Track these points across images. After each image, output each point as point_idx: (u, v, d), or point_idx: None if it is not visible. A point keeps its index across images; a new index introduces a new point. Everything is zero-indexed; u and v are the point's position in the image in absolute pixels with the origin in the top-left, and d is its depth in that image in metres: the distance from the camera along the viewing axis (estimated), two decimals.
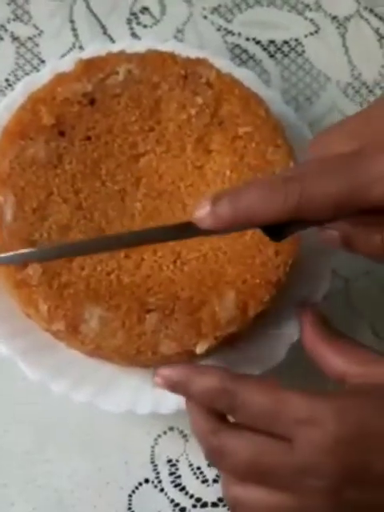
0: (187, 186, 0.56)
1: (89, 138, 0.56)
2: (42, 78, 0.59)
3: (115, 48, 0.59)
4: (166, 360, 0.51)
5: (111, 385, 0.55)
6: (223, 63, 0.60)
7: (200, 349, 0.51)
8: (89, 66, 0.57)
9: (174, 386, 0.48)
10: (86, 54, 0.60)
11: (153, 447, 0.61)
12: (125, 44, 0.61)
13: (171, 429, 0.61)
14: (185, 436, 0.61)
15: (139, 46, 0.60)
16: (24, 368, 0.54)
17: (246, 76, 0.60)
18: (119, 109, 0.56)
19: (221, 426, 0.46)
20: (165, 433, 0.61)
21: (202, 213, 0.45)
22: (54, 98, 0.56)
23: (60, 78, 0.57)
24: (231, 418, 0.47)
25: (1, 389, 0.61)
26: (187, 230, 0.47)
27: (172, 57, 0.58)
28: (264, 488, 0.45)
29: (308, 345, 0.51)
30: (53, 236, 0.53)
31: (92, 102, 0.56)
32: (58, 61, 0.61)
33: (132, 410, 0.54)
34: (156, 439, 0.61)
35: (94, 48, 0.61)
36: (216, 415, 0.47)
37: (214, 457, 0.47)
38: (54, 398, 0.59)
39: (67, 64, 0.58)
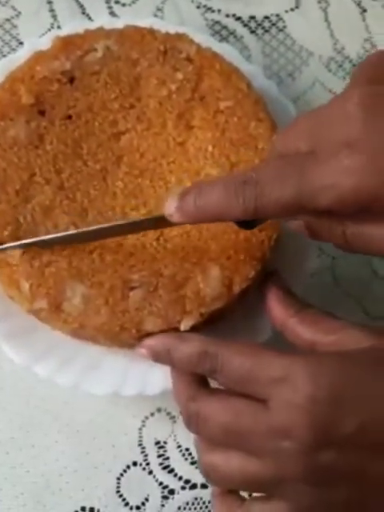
0: (169, 163, 0.56)
1: (69, 117, 0.56)
2: (20, 58, 0.59)
3: (93, 26, 0.60)
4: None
5: (96, 367, 0.55)
6: (203, 38, 0.61)
7: (185, 325, 0.51)
8: (67, 44, 0.57)
9: (158, 355, 0.50)
10: (64, 32, 0.60)
11: (140, 429, 0.61)
12: (103, 21, 0.62)
13: (159, 410, 0.61)
14: (172, 417, 0.61)
15: (118, 24, 0.60)
16: (8, 351, 0.54)
17: (226, 51, 0.60)
18: (98, 86, 0.56)
19: (199, 392, 0.48)
20: (152, 414, 0.61)
21: (170, 208, 0.49)
22: (32, 76, 0.56)
23: (38, 57, 0.57)
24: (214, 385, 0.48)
25: None
26: (163, 221, 0.50)
27: (151, 32, 0.58)
28: (240, 454, 0.46)
29: (275, 319, 0.52)
30: (36, 217, 0.53)
31: (71, 80, 0.56)
32: (36, 40, 0.62)
33: (118, 392, 0.55)
34: (143, 421, 0.61)
35: (72, 26, 0.61)
36: (197, 382, 0.48)
37: (192, 422, 0.48)
38: (38, 383, 0.60)
39: (45, 44, 0.59)
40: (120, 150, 0.56)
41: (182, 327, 0.51)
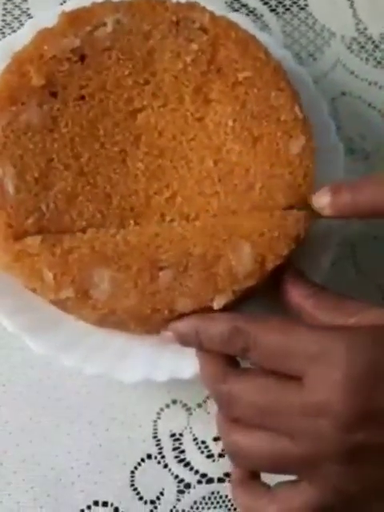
0: (189, 141, 0.56)
1: (82, 98, 0.55)
2: (22, 37, 0.58)
3: None
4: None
5: (125, 355, 0.55)
6: (215, 7, 0.60)
7: (217, 304, 0.51)
8: (74, 19, 0.56)
9: (186, 338, 0.50)
10: (69, 5, 0.59)
11: (155, 421, 0.61)
12: None
13: (174, 402, 0.61)
14: (188, 409, 0.61)
15: None
16: (32, 344, 0.54)
17: (238, 20, 0.59)
18: (111, 63, 0.56)
19: (230, 373, 0.48)
20: (167, 406, 0.61)
21: (322, 202, 0.52)
22: (40, 56, 0.55)
23: (45, 35, 0.56)
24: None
25: None
26: None
27: (161, 3, 0.57)
28: (270, 433, 0.46)
29: (291, 302, 0.53)
30: (60, 206, 0.53)
31: (82, 58, 0.56)
32: (38, 17, 0.61)
33: (149, 378, 0.55)
34: (158, 413, 0.61)
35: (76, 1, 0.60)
36: (226, 362, 0.49)
37: (223, 402, 0.48)
38: (50, 373, 0.60)
39: (48, 19, 0.57)
40: (137, 129, 0.56)
41: (215, 306, 0.51)
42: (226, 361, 0.49)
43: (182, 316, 0.51)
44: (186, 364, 0.54)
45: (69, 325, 0.55)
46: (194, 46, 0.56)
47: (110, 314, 0.51)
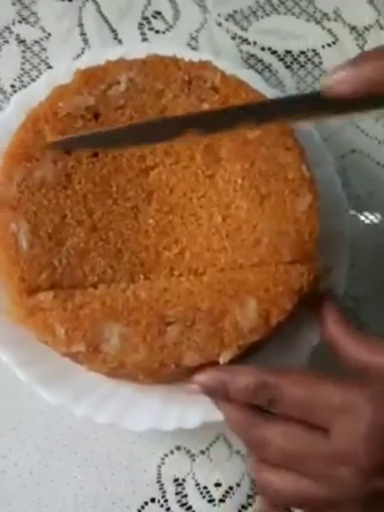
0: (199, 198, 0.58)
1: (96, 155, 0.57)
2: (36, 90, 0.60)
3: (113, 54, 0.60)
4: (189, 372, 0.53)
5: (134, 404, 0.57)
6: (227, 65, 0.62)
7: (223, 358, 0.53)
8: (89, 77, 0.58)
9: (212, 390, 0.53)
10: (85, 59, 0.61)
11: (159, 466, 0.63)
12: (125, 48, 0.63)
13: (178, 448, 0.63)
14: (192, 455, 0.63)
15: (141, 49, 0.61)
16: (44, 395, 0.56)
17: (250, 78, 0.61)
18: (124, 121, 0.57)
19: (259, 419, 0.51)
20: (171, 452, 0.63)
21: (328, 81, 0.48)
22: (55, 113, 0.57)
23: (60, 92, 0.58)
24: None
25: (5, 408, 0.63)
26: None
27: (174, 61, 0.59)
28: (295, 474, 0.50)
29: (330, 337, 0.55)
30: (72, 261, 0.55)
31: (96, 115, 0.58)
32: (52, 70, 0.62)
33: (157, 427, 0.56)
34: (162, 459, 0.63)
35: (92, 54, 0.63)
36: (254, 409, 0.51)
37: (254, 445, 0.51)
38: (58, 418, 0.62)
39: (63, 72, 0.59)
40: (149, 186, 0.57)
41: (221, 360, 0.53)
42: (254, 407, 0.52)
43: (189, 370, 0.53)
44: (192, 414, 0.56)
45: (79, 375, 0.56)
46: (206, 106, 0.58)
47: (119, 367, 0.53)
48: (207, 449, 0.64)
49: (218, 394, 0.53)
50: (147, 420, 0.56)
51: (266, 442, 0.50)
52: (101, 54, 0.61)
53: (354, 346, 0.53)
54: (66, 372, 0.56)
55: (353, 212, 0.66)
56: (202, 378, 0.53)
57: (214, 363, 0.53)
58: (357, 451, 0.47)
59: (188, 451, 0.63)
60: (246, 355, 0.55)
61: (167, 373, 0.53)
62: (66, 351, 0.53)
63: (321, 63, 0.72)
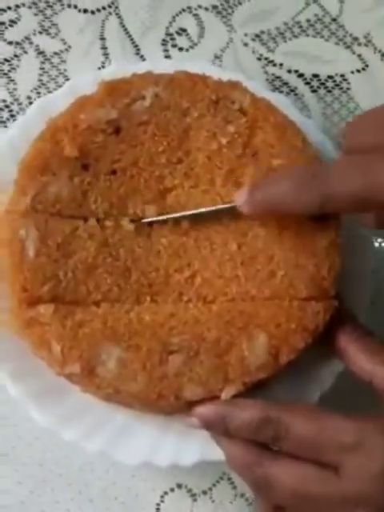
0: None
1: (114, 172, 0.56)
2: (58, 98, 0.59)
3: (140, 68, 0.59)
4: (188, 406, 0.51)
5: (127, 433, 0.55)
6: (257, 86, 0.60)
7: (226, 395, 0.51)
8: (113, 89, 0.57)
9: (212, 424, 0.50)
10: (109, 71, 0.60)
11: (158, 504, 0.61)
12: (152, 63, 0.62)
13: (179, 486, 0.61)
14: (193, 495, 0.61)
15: (169, 66, 0.59)
16: (34, 413, 0.54)
17: (279, 101, 0.60)
18: (146, 138, 0.56)
19: (264, 456, 0.49)
20: (172, 490, 0.61)
21: (240, 199, 0.52)
22: (75, 125, 0.56)
23: (82, 103, 0.56)
24: None
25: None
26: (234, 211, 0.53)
27: (203, 79, 0.58)
28: None
29: (337, 343, 0.53)
30: (78, 275, 0.53)
31: (117, 130, 0.56)
32: (76, 79, 0.61)
33: (149, 461, 0.54)
34: (162, 496, 0.61)
35: (118, 66, 0.61)
36: (257, 446, 0.49)
37: (260, 486, 0.49)
38: (54, 445, 0.61)
39: (87, 83, 0.58)
40: (166, 208, 0.56)
41: (223, 396, 0.51)
42: (257, 444, 0.50)
43: (189, 403, 0.51)
44: (190, 450, 0.54)
45: (74, 395, 0.55)
46: (231, 128, 0.56)
47: (114, 394, 0.51)
48: (210, 489, 0.62)
49: (219, 429, 0.50)
50: (141, 453, 0.54)
51: (272, 483, 0.48)
52: (126, 67, 0.60)
53: (359, 352, 0.52)
54: (60, 390, 0.55)
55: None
56: (201, 410, 0.51)
57: (215, 399, 0.51)
58: (373, 492, 0.45)
59: (189, 490, 0.61)
60: (250, 392, 0.53)
61: (165, 405, 0.51)
62: (61, 371, 0.52)
63: (349, 89, 0.70)
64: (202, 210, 0.55)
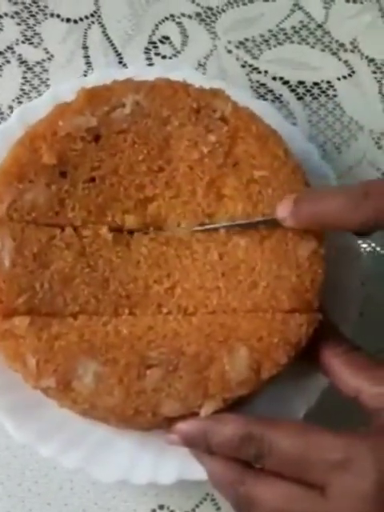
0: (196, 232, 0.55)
1: (93, 180, 0.55)
2: (40, 106, 0.58)
3: (123, 75, 0.58)
4: (167, 422, 0.50)
5: (105, 450, 0.54)
6: (242, 94, 0.60)
7: (205, 411, 0.50)
8: (93, 97, 0.56)
9: (192, 441, 0.49)
10: (91, 79, 0.60)
11: None
12: (135, 70, 0.61)
13: (161, 507, 0.60)
14: None
15: (152, 72, 0.59)
16: (10, 429, 0.53)
17: (264, 109, 0.59)
18: (125, 146, 0.56)
19: (247, 474, 0.47)
20: (153, 511, 0.60)
21: (283, 212, 0.52)
22: (54, 132, 0.55)
23: (61, 110, 0.56)
24: None
25: None
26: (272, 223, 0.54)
27: (184, 87, 0.57)
28: None
29: (321, 357, 0.52)
30: (54, 286, 0.53)
31: (96, 138, 0.55)
32: (58, 87, 0.61)
33: (127, 480, 0.53)
34: None
35: (100, 73, 0.61)
36: (240, 463, 0.48)
37: (242, 506, 0.47)
38: (34, 463, 0.60)
39: (69, 91, 0.57)
40: (146, 217, 0.55)
41: (203, 413, 0.50)
42: (240, 461, 0.48)
43: (167, 420, 0.50)
44: (168, 467, 0.53)
45: (51, 410, 0.54)
46: (212, 138, 0.56)
47: (90, 409, 0.50)
48: (193, 510, 0.60)
49: (200, 446, 0.49)
50: (117, 470, 0.53)
51: (255, 502, 0.46)
52: (108, 74, 0.59)
53: (344, 368, 0.51)
54: (37, 405, 0.54)
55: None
56: (182, 426, 0.50)
57: (194, 415, 0.50)
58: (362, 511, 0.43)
59: (172, 511, 0.60)
60: (231, 409, 0.52)
61: (142, 421, 0.50)
62: (36, 385, 0.51)
63: (335, 96, 0.70)
64: (240, 222, 0.54)
